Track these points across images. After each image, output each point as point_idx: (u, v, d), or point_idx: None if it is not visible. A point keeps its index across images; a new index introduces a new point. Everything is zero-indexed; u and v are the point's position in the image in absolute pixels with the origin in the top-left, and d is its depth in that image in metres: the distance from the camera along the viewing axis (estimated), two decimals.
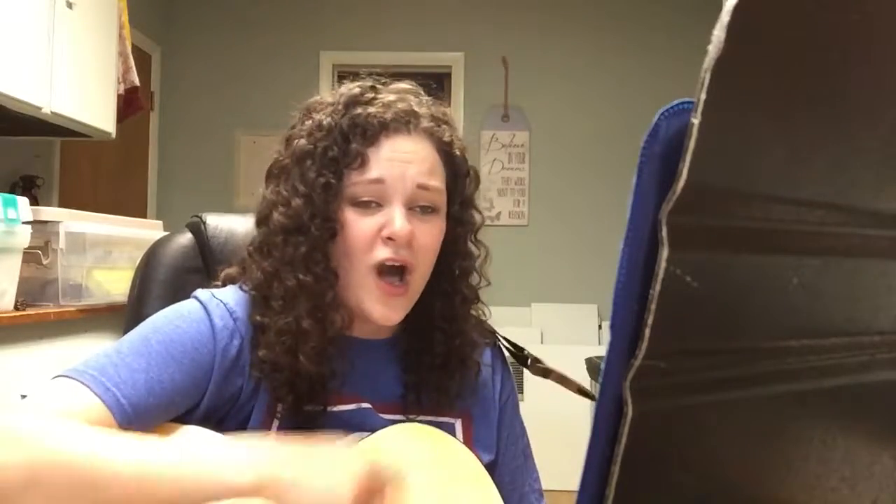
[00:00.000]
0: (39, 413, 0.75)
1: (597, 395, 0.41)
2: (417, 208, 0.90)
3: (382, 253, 0.88)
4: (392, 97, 0.92)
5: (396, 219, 0.88)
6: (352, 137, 0.89)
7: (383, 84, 0.95)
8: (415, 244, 0.89)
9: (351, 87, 0.94)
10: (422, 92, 0.97)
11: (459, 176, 0.96)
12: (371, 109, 0.90)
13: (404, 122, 0.90)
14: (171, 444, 0.74)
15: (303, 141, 0.91)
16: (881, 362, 0.52)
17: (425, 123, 0.92)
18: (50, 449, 0.70)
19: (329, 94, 0.95)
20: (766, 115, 0.40)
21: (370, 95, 0.92)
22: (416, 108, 0.92)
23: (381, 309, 0.90)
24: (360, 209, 0.89)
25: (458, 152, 0.95)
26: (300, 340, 0.87)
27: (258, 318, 0.90)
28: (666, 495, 0.45)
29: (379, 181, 0.89)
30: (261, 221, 0.94)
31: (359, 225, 0.89)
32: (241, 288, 0.94)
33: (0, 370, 1.90)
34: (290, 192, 0.90)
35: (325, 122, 0.90)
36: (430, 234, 0.91)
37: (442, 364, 0.96)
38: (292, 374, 0.88)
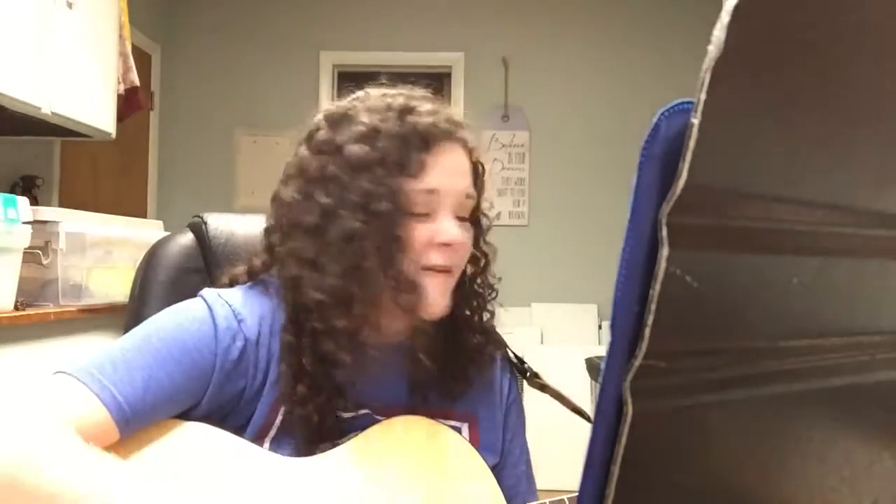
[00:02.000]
0: (37, 414, 0.76)
1: (597, 396, 0.41)
2: (457, 216, 0.92)
3: (435, 259, 0.90)
4: (429, 105, 0.93)
5: (451, 228, 0.90)
6: (410, 145, 0.89)
7: (414, 94, 0.95)
8: (461, 250, 0.92)
9: (392, 94, 0.94)
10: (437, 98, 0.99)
11: (478, 181, 0.98)
12: (427, 119, 0.90)
13: (453, 132, 0.92)
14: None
15: (355, 147, 0.89)
16: (881, 362, 0.52)
17: (463, 133, 0.94)
18: (36, 463, 0.71)
19: (357, 100, 0.95)
20: (766, 115, 0.40)
21: (414, 104, 0.92)
22: (456, 118, 0.94)
23: (440, 300, 0.91)
24: (411, 216, 0.90)
25: (477, 159, 0.98)
26: (355, 342, 0.89)
27: (316, 325, 0.89)
28: (666, 495, 0.45)
29: (433, 192, 0.90)
30: (310, 230, 0.90)
31: (413, 232, 0.89)
32: (283, 298, 0.93)
33: (0, 370, 1.90)
34: (364, 198, 0.88)
35: (383, 129, 0.89)
36: (470, 239, 0.95)
37: (454, 363, 0.97)
38: (316, 381, 0.89)
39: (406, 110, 0.91)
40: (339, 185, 0.89)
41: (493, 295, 1.02)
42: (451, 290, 0.93)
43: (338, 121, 0.93)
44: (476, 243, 0.99)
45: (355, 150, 0.89)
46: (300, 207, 0.91)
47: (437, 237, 0.89)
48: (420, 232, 0.89)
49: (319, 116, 0.96)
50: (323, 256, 0.89)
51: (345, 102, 0.96)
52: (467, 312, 1.00)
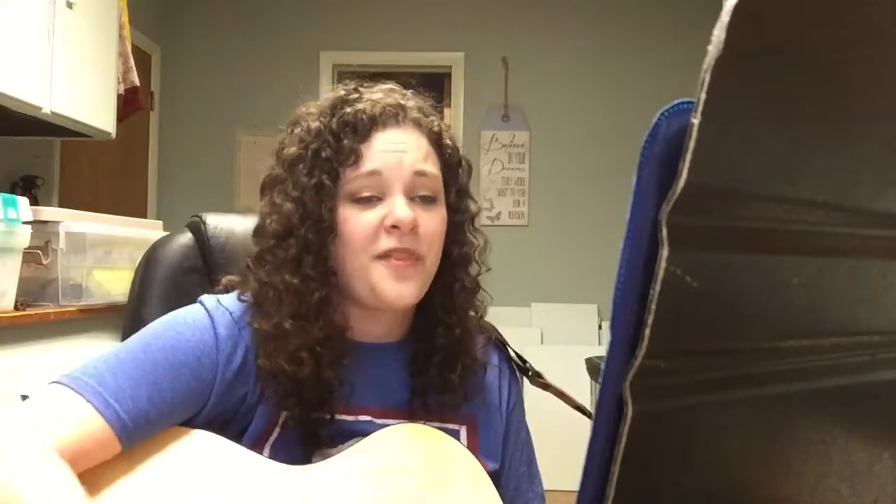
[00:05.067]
0: (22, 438, 0.75)
1: (597, 396, 0.41)
2: (418, 198, 0.90)
3: (387, 243, 0.88)
4: (378, 95, 0.93)
5: (398, 206, 0.87)
6: (343, 136, 0.89)
7: (366, 87, 0.95)
8: (420, 232, 0.89)
9: (336, 91, 0.95)
10: (405, 90, 0.97)
11: (452, 164, 0.96)
12: (359, 106, 0.90)
13: (392, 114, 0.91)
14: None
15: (293, 149, 0.91)
16: (881, 362, 0.52)
17: (413, 114, 0.93)
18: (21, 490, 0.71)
19: (313, 105, 0.96)
20: (766, 115, 0.40)
21: (355, 96, 0.93)
22: (402, 102, 0.93)
23: (393, 286, 0.88)
24: (359, 205, 0.89)
25: (448, 141, 0.96)
26: (284, 343, 0.87)
27: (255, 326, 0.89)
28: (666, 495, 0.45)
29: (376, 173, 0.88)
30: (256, 233, 0.95)
31: (359, 219, 0.88)
32: (239, 298, 0.93)
33: (0, 370, 1.90)
34: (282, 199, 0.90)
35: (313, 127, 0.91)
36: (433, 221, 0.91)
37: (445, 359, 0.95)
38: (294, 382, 0.87)
39: (339, 103, 0.92)
40: (280, 188, 0.91)
41: (470, 284, 0.97)
42: (414, 277, 0.89)
43: (291, 125, 0.95)
44: (457, 230, 0.96)
45: (289, 152, 0.91)
46: (259, 214, 0.94)
47: (387, 220, 0.88)
48: (368, 218, 0.88)
49: (285, 125, 0.97)
50: (261, 260, 0.91)
51: (304, 107, 0.96)
52: (448, 307, 0.95)
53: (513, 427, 1.04)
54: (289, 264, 0.89)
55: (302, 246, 0.88)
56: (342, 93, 0.94)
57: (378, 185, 0.89)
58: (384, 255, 0.88)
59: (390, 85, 0.96)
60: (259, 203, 0.95)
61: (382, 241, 0.88)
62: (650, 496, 0.44)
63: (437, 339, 0.95)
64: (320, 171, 0.89)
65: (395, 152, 0.89)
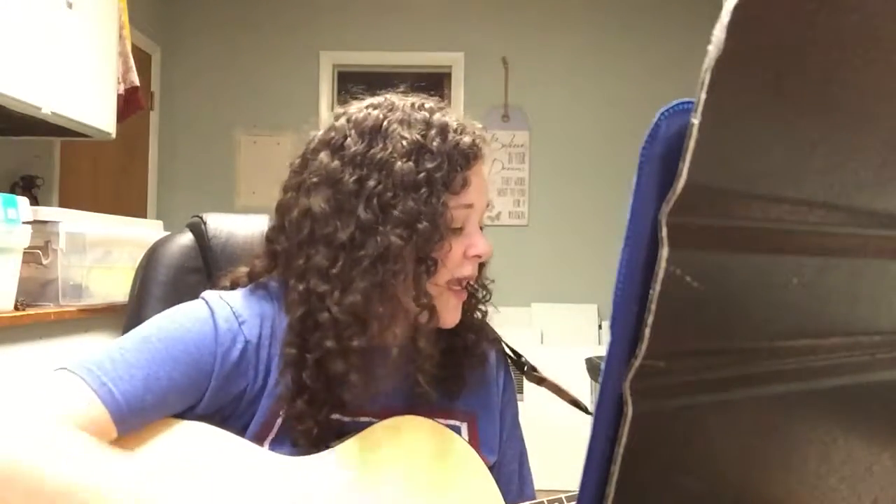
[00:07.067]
0: (37, 411, 0.76)
1: (597, 396, 0.41)
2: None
3: (467, 270, 0.93)
4: (455, 118, 0.94)
5: (482, 241, 0.93)
6: (455, 162, 0.90)
7: (439, 106, 0.96)
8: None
9: (425, 107, 0.93)
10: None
11: None
12: (467, 138, 0.91)
13: (485, 146, 0.94)
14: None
15: (412, 165, 0.88)
16: (881, 362, 0.52)
17: (487, 145, 0.95)
18: (34, 458, 0.72)
19: (384, 109, 0.92)
20: (767, 115, 0.40)
21: (447, 118, 0.92)
22: (479, 130, 0.95)
23: (453, 315, 0.95)
24: (450, 233, 0.91)
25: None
26: (334, 364, 0.88)
27: (346, 341, 0.88)
28: (666, 495, 0.45)
29: (470, 206, 0.92)
30: (345, 245, 0.88)
31: (451, 248, 0.91)
32: (271, 294, 0.94)
33: (0, 370, 1.90)
34: (409, 216, 0.87)
35: (428, 146, 0.89)
36: None
37: (451, 362, 0.98)
38: (322, 397, 0.89)
39: (446, 127, 0.91)
40: (383, 202, 0.87)
41: (487, 296, 1.01)
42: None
43: (370, 132, 0.90)
44: None
45: (403, 167, 0.87)
46: (330, 220, 0.88)
47: (471, 250, 0.92)
48: (458, 247, 0.91)
49: (342, 121, 0.93)
50: (351, 273, 0.87)
51: (370, 110, 0.93)
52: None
53: (507, 419, 1.06)
54: (423, 283, 0.89)
55: (415, 272, 0.89)
56: (439, 115, 0.92)
57: (467, 216, 0.92)
58: (455, 282, 0.92)
59: (439, 100, 0.97)
60: (323, 204, 0.89)
61: (464, 270, 0.92)
62: (650, 496, 0.44)
63: (443, 340, 0.98)
64: (435, 197, 0.88)
65: (484, 188, 0.94)
